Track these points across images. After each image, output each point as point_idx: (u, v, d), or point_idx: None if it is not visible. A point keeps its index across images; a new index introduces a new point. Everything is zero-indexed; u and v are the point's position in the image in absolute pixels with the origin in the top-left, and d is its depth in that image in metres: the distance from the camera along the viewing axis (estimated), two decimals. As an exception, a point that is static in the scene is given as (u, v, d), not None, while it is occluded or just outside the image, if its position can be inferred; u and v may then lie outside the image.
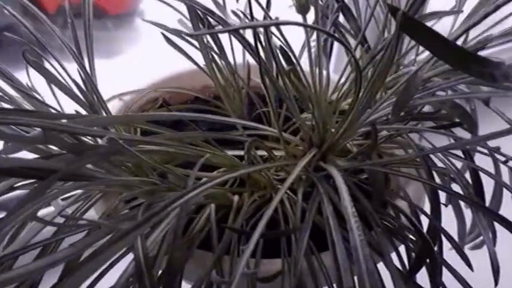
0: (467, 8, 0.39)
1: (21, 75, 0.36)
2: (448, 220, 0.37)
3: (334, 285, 0.31)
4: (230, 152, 0.34)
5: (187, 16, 0.41)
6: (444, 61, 0.22)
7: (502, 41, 0.32)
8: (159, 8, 0.47)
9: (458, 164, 0.41)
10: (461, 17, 0.39)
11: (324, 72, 0.32)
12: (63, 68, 0.35)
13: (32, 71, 0.34)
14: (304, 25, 0.25)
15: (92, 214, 0.38)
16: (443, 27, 0.41)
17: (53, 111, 0.32)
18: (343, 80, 0.35)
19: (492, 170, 0.41)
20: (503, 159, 0.42)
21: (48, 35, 0.37)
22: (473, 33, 0.40)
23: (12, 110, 0.24)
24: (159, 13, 0.48)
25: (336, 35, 0.33)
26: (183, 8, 0.43)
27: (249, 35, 0.36)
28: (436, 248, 0.35)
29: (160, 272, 0.27)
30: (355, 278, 0.23)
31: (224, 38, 0.44)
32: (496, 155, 0.41)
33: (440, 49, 0.22)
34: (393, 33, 0.23)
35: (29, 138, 0.25)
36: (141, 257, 0.22)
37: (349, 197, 0.24)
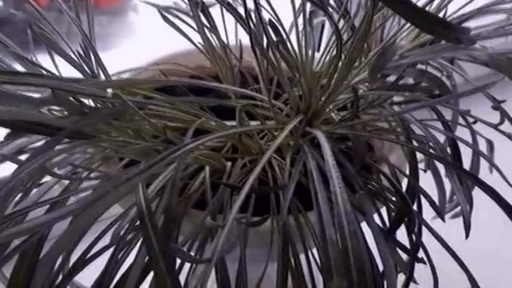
0: None
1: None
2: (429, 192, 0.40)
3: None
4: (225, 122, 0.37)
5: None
6: (414, 25, 0.24)
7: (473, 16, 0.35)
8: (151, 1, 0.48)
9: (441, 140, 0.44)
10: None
11: (310, 44, 0.34)
12: (68, 44, 0.37)
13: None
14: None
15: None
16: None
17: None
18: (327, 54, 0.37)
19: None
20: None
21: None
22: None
23: (24, 73, 0.27)
24: (151, 6, 0.49)
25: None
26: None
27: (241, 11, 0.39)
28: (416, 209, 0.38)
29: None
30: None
31: (217, 18, 0.46)
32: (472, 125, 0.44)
33: (410, 14, 0.25)
34: (369, 1, 0.25)
35: (40, 99, 0.27)
36: (142, 201, 0.24)
37: (331, 152, 0.27)
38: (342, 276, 0.22)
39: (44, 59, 0.38)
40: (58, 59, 0.37)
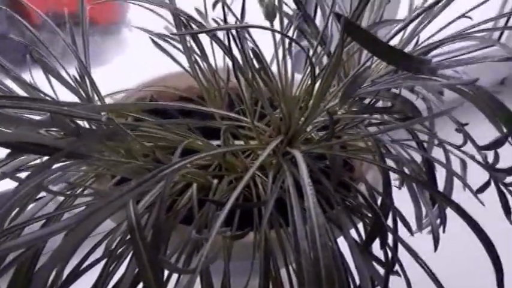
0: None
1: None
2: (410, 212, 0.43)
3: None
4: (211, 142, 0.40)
5: (173, 24, 0.46)
6: (379, 58, 0.27)
7: (441, 44, 0.38)
8: (145, 17, 0.51)
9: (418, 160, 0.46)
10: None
11: (289, 70, 0.37)
12: (63, 67, 0.40)
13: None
14: (266, 28, 0.30)
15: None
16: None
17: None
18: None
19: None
20: (455, 152, 0.48)
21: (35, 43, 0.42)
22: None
23: (24, 98, 0.29)
24: (145, 23, 0.51)
25: (302, 38, 0.38)
26: (169, 16, 0.49)
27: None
28: (393, 227, 0.41)
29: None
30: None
31: (206, 43, 0.49)
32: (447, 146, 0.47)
33: (375, 48, 0.28)
34: (339, 35, 0.28)
35: (38, 121, 0.29)
36: (132, 216, 0.27)
37: (306, 170, 0.30)
38: (313, 284, 0.25)
39: (38, 72, 0.40)
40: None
